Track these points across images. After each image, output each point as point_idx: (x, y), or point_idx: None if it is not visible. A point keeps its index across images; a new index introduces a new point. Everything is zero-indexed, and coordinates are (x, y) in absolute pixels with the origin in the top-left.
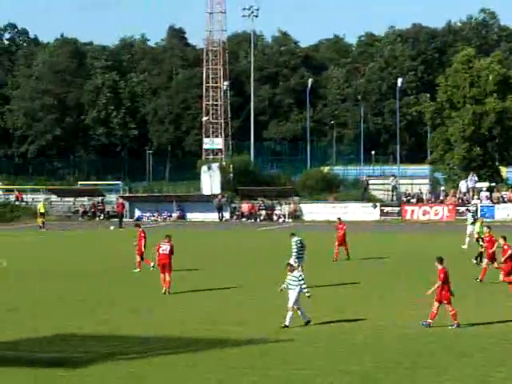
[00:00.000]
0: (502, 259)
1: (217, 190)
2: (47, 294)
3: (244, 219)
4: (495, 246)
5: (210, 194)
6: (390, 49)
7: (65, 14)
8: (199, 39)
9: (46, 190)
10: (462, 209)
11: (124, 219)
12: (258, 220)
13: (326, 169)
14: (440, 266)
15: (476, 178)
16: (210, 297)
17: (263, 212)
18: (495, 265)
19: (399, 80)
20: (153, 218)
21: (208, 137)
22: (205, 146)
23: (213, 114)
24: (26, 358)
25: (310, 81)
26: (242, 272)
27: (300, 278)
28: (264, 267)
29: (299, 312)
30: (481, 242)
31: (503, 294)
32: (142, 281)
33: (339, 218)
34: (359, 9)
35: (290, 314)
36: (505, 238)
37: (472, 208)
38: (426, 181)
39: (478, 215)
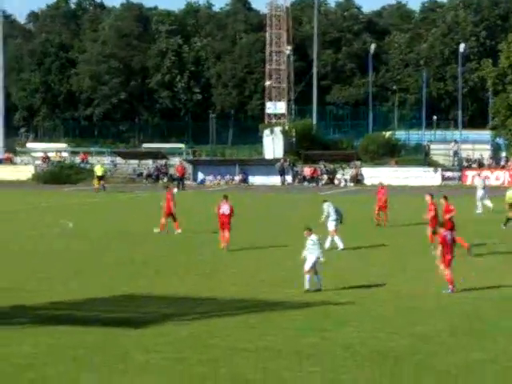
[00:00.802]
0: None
1: (279, 153)
2: (110, 256)
3: (306, 183)
4: None
5: (272, 157)
6: (452, 15)
7: None
8: (262, 4)
9: (111, 152)
10: None
11: (187, 182)
12: (320, 184)
13: (387, 134)
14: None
15: None
16: (268, 259)
17: (325, 176)
18: None
19: (461, 46)
20: (215, 182)
21: (271, 101)
22: (267, 111)
23: (276, 78)
24: (92, 318)
25: (373, 46)
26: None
27: (317, 242)
28: (326, 231)
29: (315, 277)
30: None
31: None
32: (195, 242)
33: (381, 183)
34: None
35: (307, 277)
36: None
37: None
38: (488, 146)
39: None
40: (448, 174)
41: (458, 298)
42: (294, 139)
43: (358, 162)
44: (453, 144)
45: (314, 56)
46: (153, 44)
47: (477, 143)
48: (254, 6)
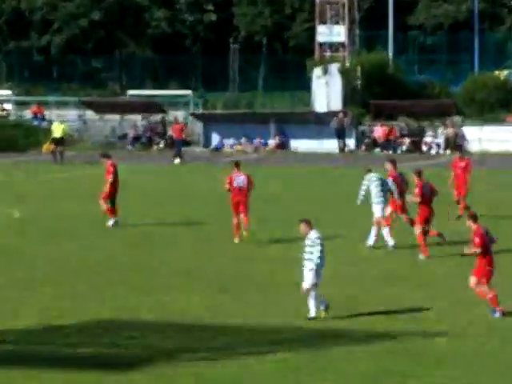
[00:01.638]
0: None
1: (336, 105)
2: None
3: (377, 149)
4: None
5: (325, 110)
6: None
7: None
8: None
9: (79, 103)
10: None
11: (196, 148)
12: (399, 151)
13: (503, 73)
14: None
15: None
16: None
17: (406, 139)
18: None
19: None
20: (239, 148)
21: (324, 23)
22: (319, 39)
23: None
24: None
25: None
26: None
27: (318, 242)
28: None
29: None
30: None
31: None
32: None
33: (460, 152)
34: None
35: (309, 299)
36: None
37: None
38: None
39: None
40: None
41: None
42: (358, 83)
43: (458, 118)
44: None
45: None
46: None
47: None
48: None
